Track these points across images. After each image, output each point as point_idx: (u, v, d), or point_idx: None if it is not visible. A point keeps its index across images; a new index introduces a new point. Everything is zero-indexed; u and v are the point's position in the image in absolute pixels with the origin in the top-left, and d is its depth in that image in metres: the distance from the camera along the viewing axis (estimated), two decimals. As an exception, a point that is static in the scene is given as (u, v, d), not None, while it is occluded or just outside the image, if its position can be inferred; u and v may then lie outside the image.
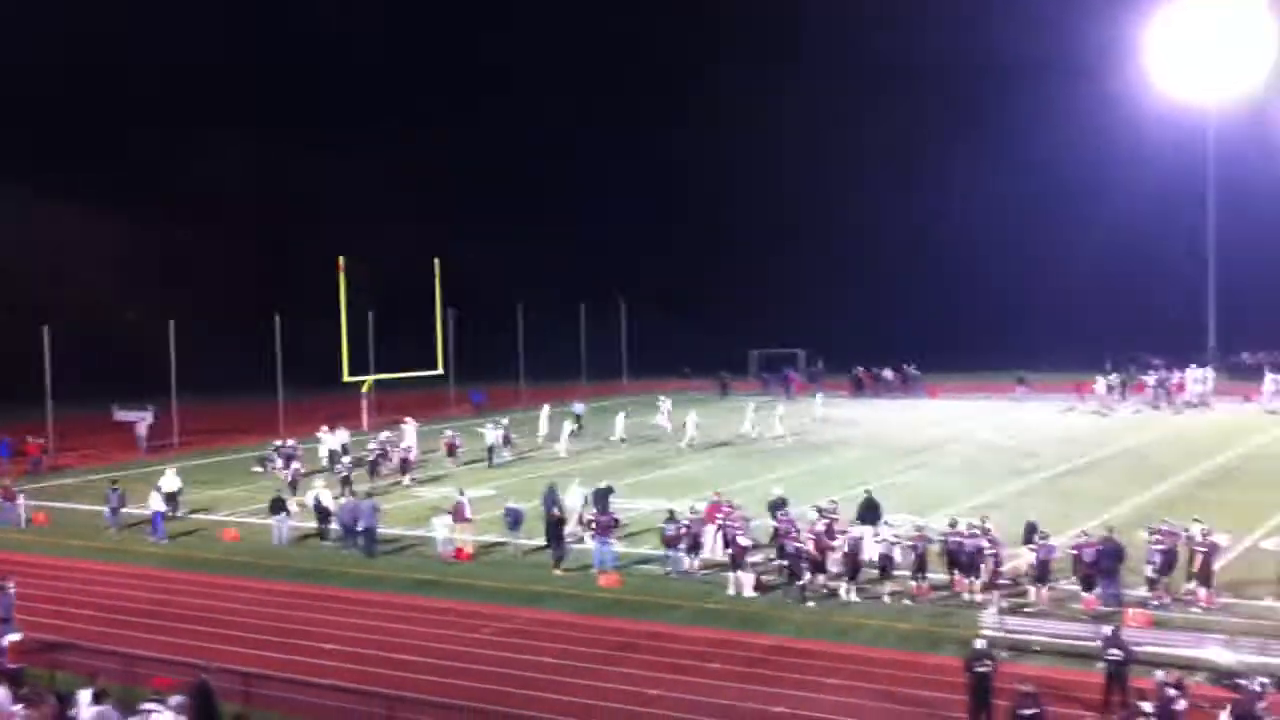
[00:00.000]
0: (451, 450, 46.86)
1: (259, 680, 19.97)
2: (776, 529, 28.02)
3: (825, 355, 75.35)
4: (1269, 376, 58.62)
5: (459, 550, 31.03)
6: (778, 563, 26.99)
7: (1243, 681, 16.92)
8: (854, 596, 25.34)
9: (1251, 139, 72.18)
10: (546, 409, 53.57)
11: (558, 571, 28.81)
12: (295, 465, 41.54)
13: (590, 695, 20.58)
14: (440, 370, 60.96)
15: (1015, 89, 79.82)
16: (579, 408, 56.28)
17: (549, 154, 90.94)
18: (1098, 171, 78.57)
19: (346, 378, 55.87)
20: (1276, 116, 71.59)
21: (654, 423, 53.33)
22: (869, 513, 29.49)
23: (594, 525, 29.69)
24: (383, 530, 32.84)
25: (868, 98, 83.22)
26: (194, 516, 37.70)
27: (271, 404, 56.08)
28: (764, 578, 26.83)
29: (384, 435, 46.41)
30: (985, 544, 25.17)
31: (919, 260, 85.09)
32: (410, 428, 47.43)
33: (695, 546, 28.39)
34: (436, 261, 59.66)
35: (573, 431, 50.58)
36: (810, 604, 25.27)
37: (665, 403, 54.66)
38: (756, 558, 27.59)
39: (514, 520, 31.30)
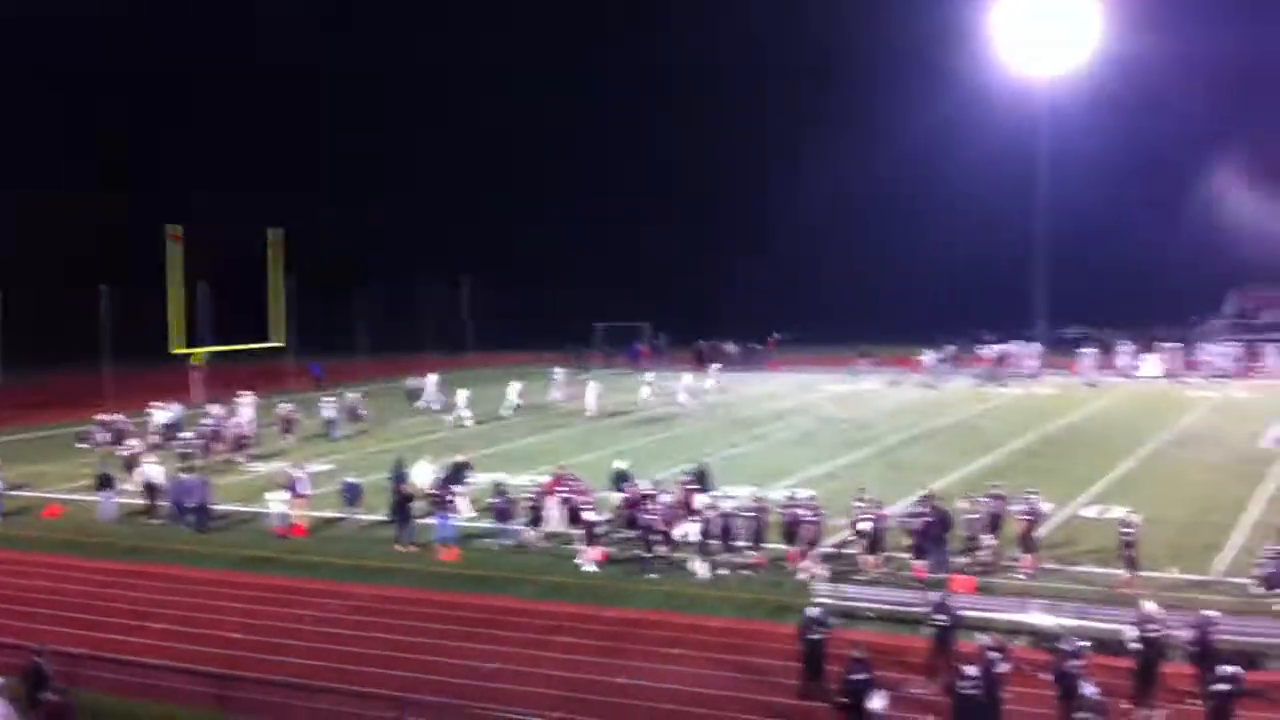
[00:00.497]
0: (288, 425, 45.77)
1: (85, 661, 19.30)
2: (625, 500, 28.17)
3: (669, 329, 75.99)
4: (1088, 350, 61.37)
5: (295, 526, 30.41)
6: (629, 535, 27.08)
7: (1062, 645, 17.58)
8: (702, 570, 25.45)
9: (1081, 115, 74.85)
10: (433, 378, 53.58)
11: (398, 547, 28.46)
12: (132, 442, 39.78)
13: (429, 670, 20.38)
14: (278, 343, 59.63)
15: (857, 69, 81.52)
16: (416, 383, 55.62)
17: (385, 126, 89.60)
18: (937, 149, 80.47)
19: (175, 350, 54.22)
20: (1104, 93, 74.44)
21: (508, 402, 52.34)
22: (700, 481, 29.82)
23: (436, 500, 29.42)
24: (216, 506, 32.05)
25: (710, 78, 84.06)
26: (13, 494, 36.11)
27: (99, 377, 54.16)
28: (609, 550, 26.95)
29: (217, 410, 45.19)
30: (808, 514, 25.64)
31: (762, 235, 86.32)
32: (247, 402, 46.27)
33: (537, 520, 28.34)
34: (271, 233, 58.23)
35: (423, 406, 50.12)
36: (654, 575, 25.45)
37: (515, 385, 53.78)
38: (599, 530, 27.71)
39: (351, 495, 30.83)
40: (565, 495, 28.82)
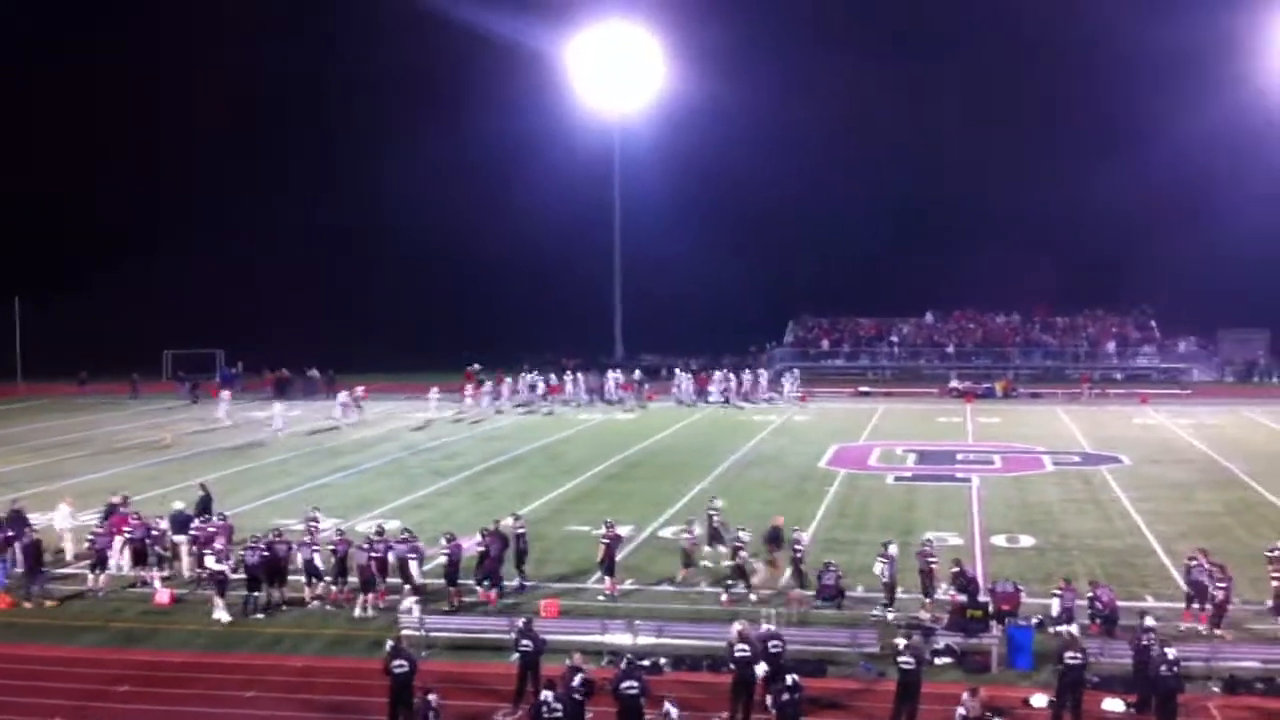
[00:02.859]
0: None
1: None
2: (195, 538, 26.63)
3: (245, 356, 73.08)
4: (680, 374, 64.65)
5: None
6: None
7: (617, 658, 18.14)
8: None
9: (649, 148, 78.68)
10: None
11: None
12: None
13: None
14: None
15: (445, 92, 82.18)
16: None
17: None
18: (520, 174, 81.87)
19: None
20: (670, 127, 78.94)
21: None
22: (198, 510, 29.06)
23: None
24: None
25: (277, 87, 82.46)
26: None
27: None
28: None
29: None
30: (409, 550, 25.24)
31: (337, 260, 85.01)
32: None
33: (101, 562, 26.28)
34: None
35: None
36: (260, 615, 24.25)
37: None
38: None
39: None
40: (129, 536, 26.93)
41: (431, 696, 17.09)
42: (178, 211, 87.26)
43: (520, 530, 26.39)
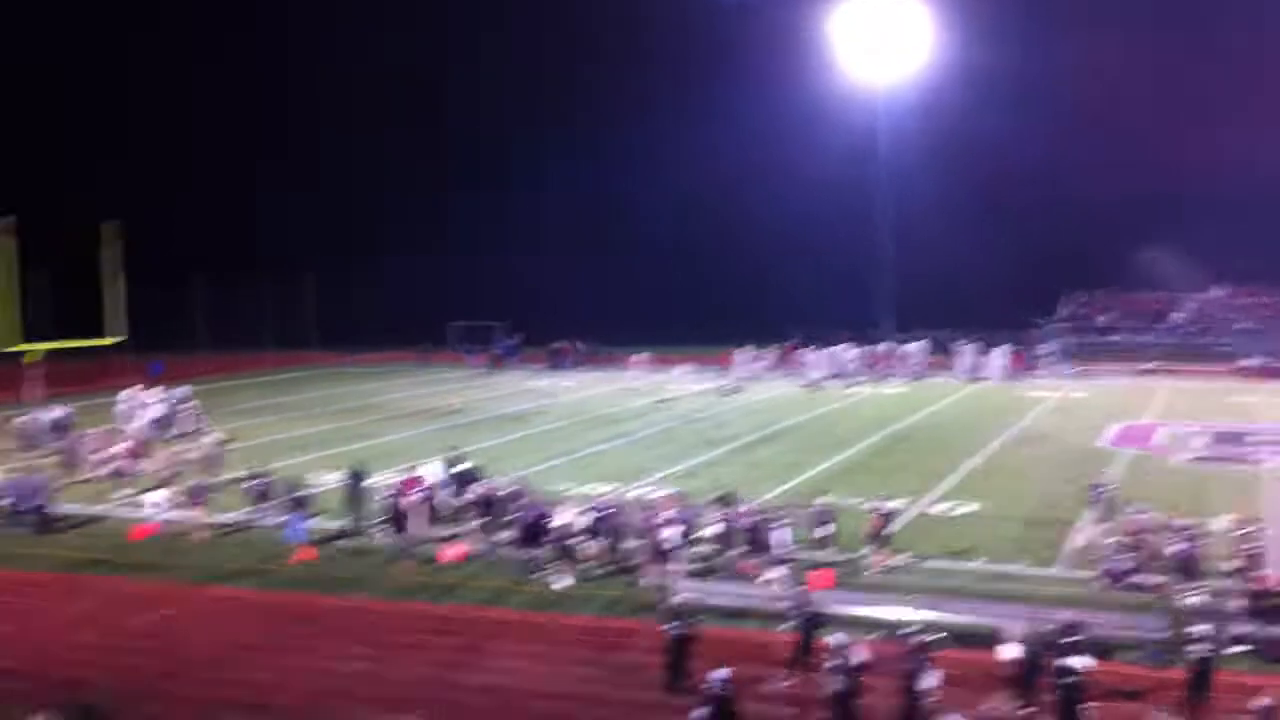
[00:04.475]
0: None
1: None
2: (475, 501, 27.84)
3: (519, 327, 75.75)
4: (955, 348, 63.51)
5: (142, 528, 29.43)
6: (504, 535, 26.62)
7: (909, 635, 17.99)
8: (565, 581, 25.08)
9: (913, 120, 76.93)
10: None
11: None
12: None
13: (275, 673, 19.88)
14: (116, 338, 57.56)
15: (714, 69, 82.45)
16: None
17: (222, 118, 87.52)
18: (784, 150, 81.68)
19: (5, 347, 52.07)
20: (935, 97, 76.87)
21: None
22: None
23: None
24: (58, 508, 30.85)
25: (564, 61, 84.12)
26: None
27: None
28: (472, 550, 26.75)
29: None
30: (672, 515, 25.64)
31: (614, 232, 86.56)
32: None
33: (398, 519, 27.90)
34: (106, 226, 56.20)
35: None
36: (534, 576, 25.21)
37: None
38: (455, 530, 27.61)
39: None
40: (422, 495, 28.50)
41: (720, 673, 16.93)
42: (464, 186, 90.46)
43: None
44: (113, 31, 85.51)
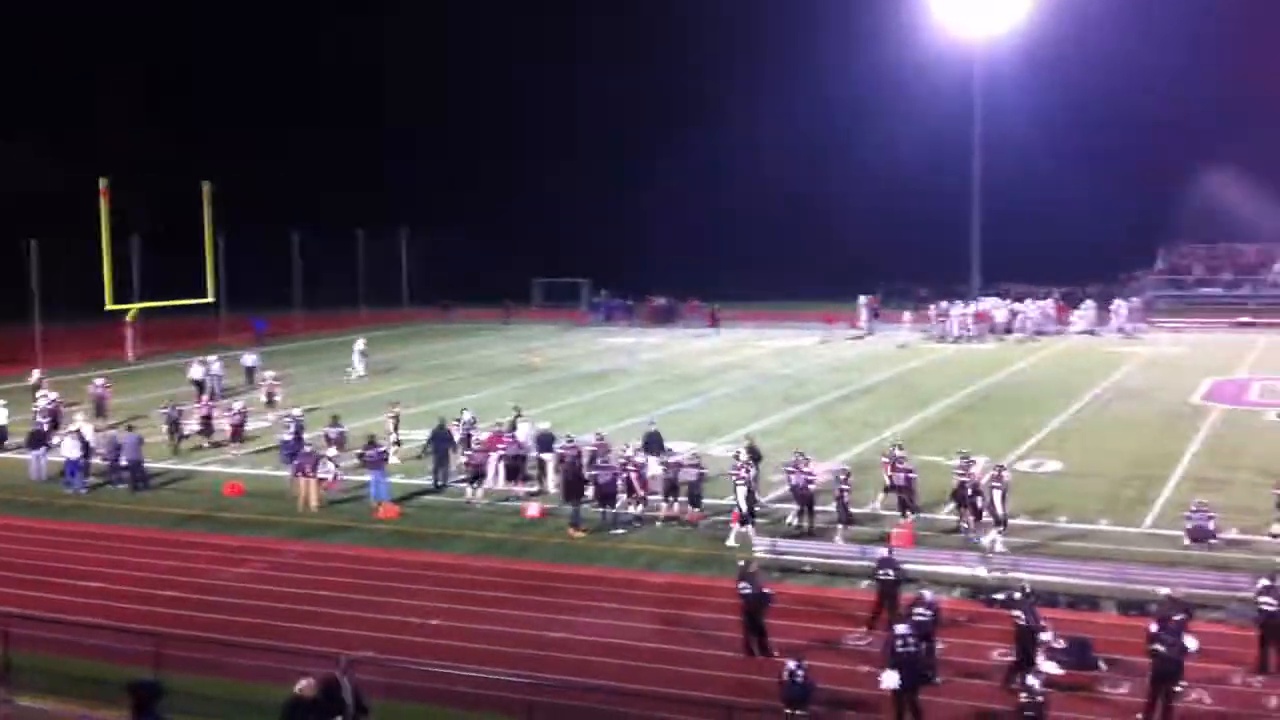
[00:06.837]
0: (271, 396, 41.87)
1: (19, 621, 19.02)
2: (561, 458, 28.02)
3: (608, 284, 75.81)
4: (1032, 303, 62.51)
5: (232, 485, 30.16)
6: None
7: (998, 595, 17.84)
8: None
9: (1014, 71, 75.14)
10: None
11: (314, 505, 28.05)
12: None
13: (365, 626, 20.32)
14: (211, 298, 58.72)
15: (800, 28, 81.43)
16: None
17: (326, 73, 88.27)
18: (877, 107, 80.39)
19: (109, 306, 53.35)
20: (1037, 50, 74.87)
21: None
22: (652, 444, 29.68)
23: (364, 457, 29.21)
24: (149, 465, 31.65)
25: (660, 26, 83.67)
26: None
27: (30, 334, 53.33)
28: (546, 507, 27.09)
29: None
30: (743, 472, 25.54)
31: (699, 190, 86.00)
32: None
33: (478, 476, 28.30)
34: (205, 186, 57.24)
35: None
36: (619, 531, 25.47)
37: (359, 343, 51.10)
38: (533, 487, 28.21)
39: (289, 454, 30.56)
40: (503, 452, 28.88)
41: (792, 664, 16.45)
42: (556, 147, 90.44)
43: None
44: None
